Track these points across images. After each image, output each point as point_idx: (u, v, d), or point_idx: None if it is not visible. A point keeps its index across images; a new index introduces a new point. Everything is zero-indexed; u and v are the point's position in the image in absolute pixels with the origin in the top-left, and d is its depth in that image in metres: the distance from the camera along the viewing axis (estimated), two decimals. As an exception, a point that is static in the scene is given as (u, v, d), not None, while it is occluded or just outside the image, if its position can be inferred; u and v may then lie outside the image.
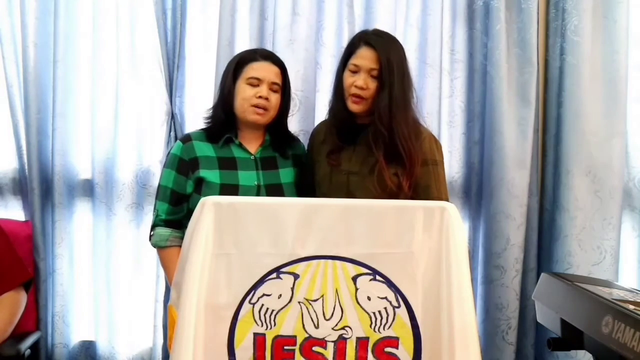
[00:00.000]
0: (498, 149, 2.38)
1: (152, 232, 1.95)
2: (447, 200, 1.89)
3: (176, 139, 2.31)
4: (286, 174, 2.00)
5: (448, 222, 1.52)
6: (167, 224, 1.92)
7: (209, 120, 1.99)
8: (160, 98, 2.34)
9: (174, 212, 1.92)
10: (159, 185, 1.96)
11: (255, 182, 1.92)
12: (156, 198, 1.97)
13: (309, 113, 2.33)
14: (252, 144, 1.98)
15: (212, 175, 1.90)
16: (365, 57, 1.86)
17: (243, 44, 2.32)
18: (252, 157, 1.96)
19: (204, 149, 1.93)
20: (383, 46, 1.85)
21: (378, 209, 1.55)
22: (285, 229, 1.51)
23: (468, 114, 2.47)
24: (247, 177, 1.92)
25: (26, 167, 2.31)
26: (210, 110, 2.01)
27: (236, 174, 1.92)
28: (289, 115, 2.08)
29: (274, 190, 1.95)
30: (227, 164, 1.93)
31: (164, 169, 1.96)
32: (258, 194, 1.92)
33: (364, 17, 2.37)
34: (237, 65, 1.94)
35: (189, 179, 1.91)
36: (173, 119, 2.33)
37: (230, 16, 2.29)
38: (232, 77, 1.93)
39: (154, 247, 1.97)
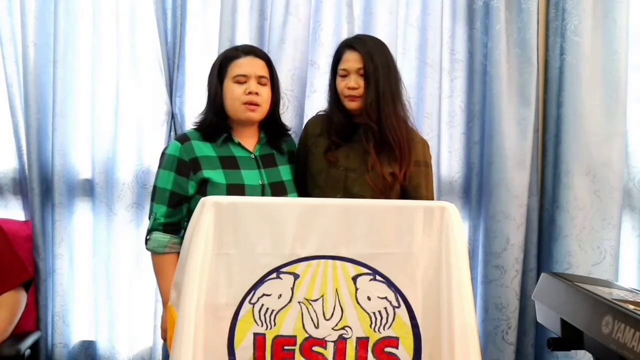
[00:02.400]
0: (498, 149, 2.38)
1: (148, 237, 1.89)
2: (433, 200, 2.03)
3: (176, 139, 2.32)
4: (285, 171, 2.00)
5: (448, 222, 1.53)
6: (165, 227, 1.86)
7: (200, 125, 1.93)
8: (160, 98, 2.34)
9: (172, 214, 1.86)
10: (156, 187, 1.89)
11: (260, 182, 1.91)
12: (152, 200, 1.90)
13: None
14: (249, 142, 1.96)
15: (216, 175, 1.86)
16: (350, 60, 1.95)
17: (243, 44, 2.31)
18: (252, 156, 1.94)
19: (204, 149, 1.89)
20: (365, 46, 1.95)
21: (378, 209, 1.55)
22: (285, 229, 1.51)
23: (468, 114, 2.47)
24: (251, 176, 1.91)
25: (26, 167, 2.31)
26: (199, 115, 1.96)
27: (240, 173, 1.89)
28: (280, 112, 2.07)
29: (278, 188, 1.95)
30: (229, 163, 1.89)
31: (161, 170, 1.89)
32: (263, 193, 1.90)
33: (363, 18, 2.37)
34: (220, 66, 1.91)
35: (190, 180, 1.86)
36: (173, 119, 2.33)
37: (230, 16, 2.29)
38: (218, 79, 1.90)
39: (151, 252, 1.91)
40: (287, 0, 2.30)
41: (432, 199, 2.02)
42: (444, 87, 2.42)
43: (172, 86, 2.32)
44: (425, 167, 2.00)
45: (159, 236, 1.87)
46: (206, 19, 2.37)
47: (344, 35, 2.32)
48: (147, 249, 1.91)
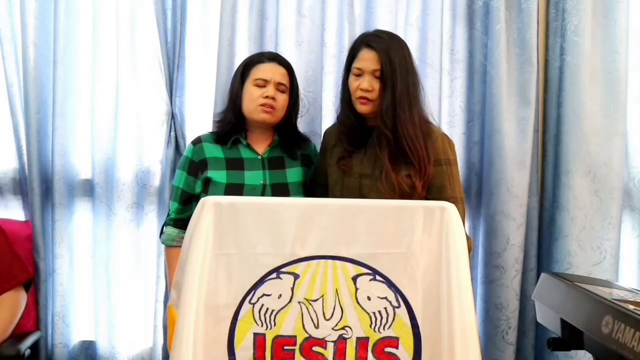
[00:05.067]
0: (498, 149, 2.38)
1: (162, 230, 2.07)
2: (462, 199, 1.89)
3: (176, 139, 2.33)
4: (293, 174, 2.03)
5: (448, 222, 1.53)
6: (175, 223, 2.01)
7: (219, 124, 2.04)
8: (160, 98, 2.34)
9: (183, 211, 2.00)
10: (172, 186, 2.06)
11: (261, 182, 1.97)
12: (169, 198, 2.09)
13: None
14: (261, 145, 2.03)
15: (218, 175, 1.95)
16: (367, 59, 1.85)
17: (243, 44, 2.32)
18: (260, 157, 2.01)
19: (213, 151, 1.99)
20: (383, 46, 1.84)
21: (378, 209, 1.55)
22: (285, 229, 1.51)
23: (468, 114, 2.47)
24: (253, 176, 1.97)
25: (26, 167, 2.30)
26: (220, 114, 2.06)
27: (242, 174, 1.97)
28: (299, 116, 2.12)
29: (280, 189, 1.99)
30: (235, 164, 1.98)
31: (177, 170, 2.05)
32: (263, 192, 1.96)
33: (364, 17, 2.37)
34: (244, 69, 2.00)
35: (198, 179, 1.98)
36: (173, 119, 2.34)
37: (230, 16, 2.29)
38: (240, 81, 1.99)
39: (163, 244, 2.08)
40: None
41: (461, 197, 1.89)
42: (444, 87, 2.42)
43: (172, 86, 2.32)
44: (447, 165, 1.87)
45: (169, 230, 2.03)
46: (206, 19, 2.37)
47: (346, 35, 2.33)
48: (161, 241, 2.09)
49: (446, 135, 1.94)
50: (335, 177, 1.95)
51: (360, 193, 1.89)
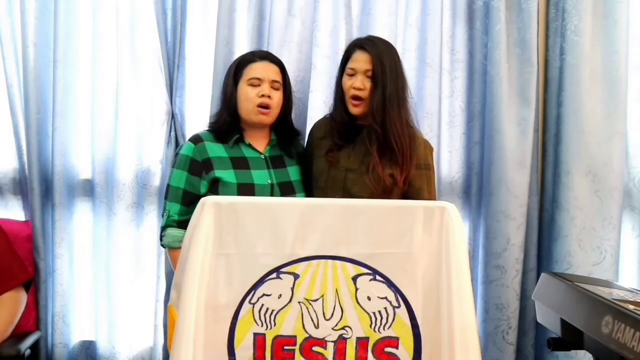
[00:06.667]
0: (498, 149, 2.38)
1: (163, 233, 1.96)
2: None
3: (176, 138, 2.33)
4: (294, 172, 2.06)
5: (448, 222, 1.53)
6: (179, 225, 1.92)
7: (214, 125, 2.02)
8: (160, 98, 2.34)
9: (186, 212, 1.90)
10: (169, 186, 1.97)
11: (269, 181, 1.97)
12: (165, 198, 1.98)
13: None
14: (260, 144, 2.03)
15: (227, 175, 1.93)
16: (359, 60, 1.96)
17: (241, 44, 2.32)
18: (262, 157, 2.01)
19: (216, 150, 1.97)
20: (376, 49, 1.96)
21: (378, 209, 1.55)
22: (285, 229, 1.51)
23: (468, 114, 2.47)
24: (260, 176, 1.97)
25: (26, 167, 2.30)
26: (214, 116, 2.05)
27: (250, 173, 1.96)
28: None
29: (286, 187, 2.00)
30: (240, 163, 1.97)
31: (174, 170, 1.97)
32: (272, 192, 1.96)
33: (361, 18, 2.37)
34: (236, 69, 1.99)
35: (202, 179, 1.94)
36: (173, 119, 2.34)
37: (228, 16, 2.29)
38: (233, 81, 1.98)
39: (166, 247, 1.98)
40: (289, 1, 2.31)
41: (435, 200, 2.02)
42: (444, 87, 2.42)
43: (172, 86, 2.32)
44: (426, 170, 2.00)
45: (174, 231, 1.94)
46: (206, 19, 2.37)
47: (342, 36, 2.33)
48: (162, 244, 1.99)
49: (427, 142, 2.07)
50: (321, 168, 2.03)
51: (343, 185, 1.98)
